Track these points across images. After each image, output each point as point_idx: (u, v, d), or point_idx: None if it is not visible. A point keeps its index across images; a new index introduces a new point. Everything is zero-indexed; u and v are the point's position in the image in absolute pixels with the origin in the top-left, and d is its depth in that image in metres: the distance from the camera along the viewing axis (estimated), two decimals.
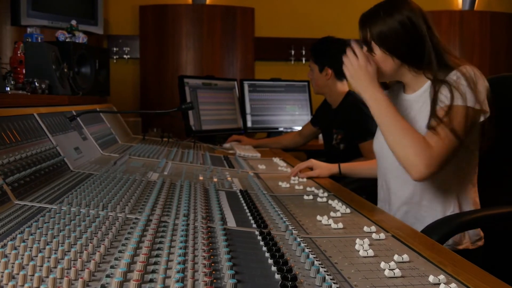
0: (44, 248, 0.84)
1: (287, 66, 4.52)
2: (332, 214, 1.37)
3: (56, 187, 1.37)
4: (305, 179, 1.98)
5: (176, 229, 1.08)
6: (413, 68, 1.70)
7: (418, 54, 1.65)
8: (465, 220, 1.51)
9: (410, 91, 1.77)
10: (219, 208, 1.31)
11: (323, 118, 3.02)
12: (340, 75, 2.81)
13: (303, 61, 4.49)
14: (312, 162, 2.11)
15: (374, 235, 1.16)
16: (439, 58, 1.64)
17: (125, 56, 4.28)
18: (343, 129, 2.77)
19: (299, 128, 3.84)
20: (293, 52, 4.47)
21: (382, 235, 1.16)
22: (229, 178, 1.88)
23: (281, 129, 3.83)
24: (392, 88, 1.90)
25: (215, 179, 1.82)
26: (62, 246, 0.85)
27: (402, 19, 1.62)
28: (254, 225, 1.20)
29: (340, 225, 1.25)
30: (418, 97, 1.72)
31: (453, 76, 1.59)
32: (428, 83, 1.69)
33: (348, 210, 1.42)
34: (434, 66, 1.63)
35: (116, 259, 0.86)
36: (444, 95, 1.58)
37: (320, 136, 3.21)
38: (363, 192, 2.13)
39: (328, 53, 2.82)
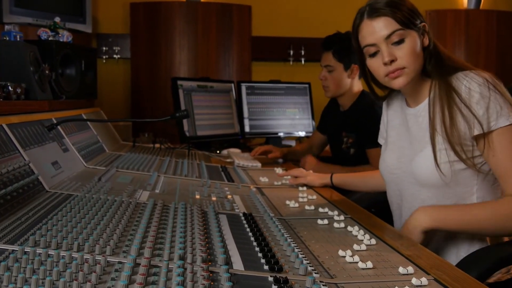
0: None
1: (285, 67, 4.30)
2: (355, 247, 1.15)
3: (24, 216, 1.13)
4: (314, 197, 1.76)
5: (170, 278, 0.85)
6: None
7: None
8: (507, 255, 1.28)
9: (412, 103, 1.59)
10: (222, 243, 1.08)
11: (330, 122, 2.78)
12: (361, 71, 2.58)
13: (302, 62, 4.27)
14: (302, 171, 2.04)
15: (414, 280, 0.94)
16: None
17: (115, 56, 4.04)
18: (355, 133, 2.53)
19: (299, 133, 3.62)
20: (291, 52, 4.25)
21: (424, 280, 0.94)
22: (229, 196, 1.65)
23: (280, 134, 3.59)
24: (391, 100, 1.70)
25: (214, 198, 1.60)
26: None
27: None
28: (266, 267, 0.98)
29: (369, 264, 1.03)
30: (421, 111, 1.54)
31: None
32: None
33: (373, 241, 1.20)
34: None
35: None
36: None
37: None
38: (372, 206, 1.93)
39: (351, 49, 2.58)
